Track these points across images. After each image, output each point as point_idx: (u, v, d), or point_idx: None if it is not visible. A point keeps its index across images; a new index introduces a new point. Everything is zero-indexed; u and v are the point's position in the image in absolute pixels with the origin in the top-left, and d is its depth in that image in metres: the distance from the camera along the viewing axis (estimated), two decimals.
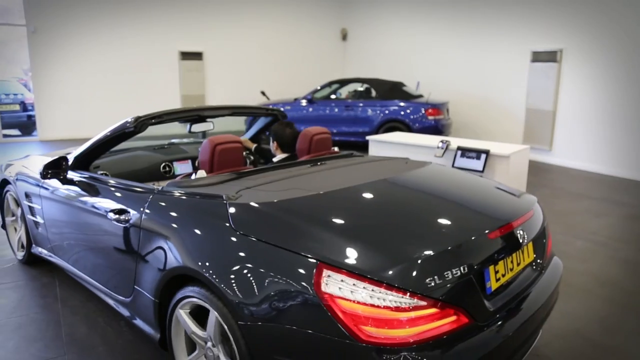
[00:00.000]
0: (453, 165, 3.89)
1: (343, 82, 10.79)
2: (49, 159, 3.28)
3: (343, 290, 1.72)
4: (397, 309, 1.70)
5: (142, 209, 2.53)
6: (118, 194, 2.80)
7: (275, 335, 1.85)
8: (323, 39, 14.26)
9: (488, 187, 2.82)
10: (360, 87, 10.63)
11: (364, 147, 9.93)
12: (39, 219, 3.61)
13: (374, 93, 10.19)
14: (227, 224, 2.08)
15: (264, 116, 4.13)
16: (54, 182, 3.32)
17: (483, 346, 1.84)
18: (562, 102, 9.12)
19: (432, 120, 9.35)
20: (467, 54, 10.87)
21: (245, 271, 1.94)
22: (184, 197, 2.41)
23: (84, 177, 3.14)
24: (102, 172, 3.49)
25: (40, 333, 3.08)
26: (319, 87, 10.62)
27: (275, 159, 3.52)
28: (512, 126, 9.96)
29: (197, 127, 3.50)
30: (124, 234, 2.62)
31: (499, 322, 1.95)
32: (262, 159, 3.99)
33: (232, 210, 2.13)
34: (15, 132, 11.66)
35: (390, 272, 1.74)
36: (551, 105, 9.19)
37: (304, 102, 10.40)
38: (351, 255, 1.80)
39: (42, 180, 3.41)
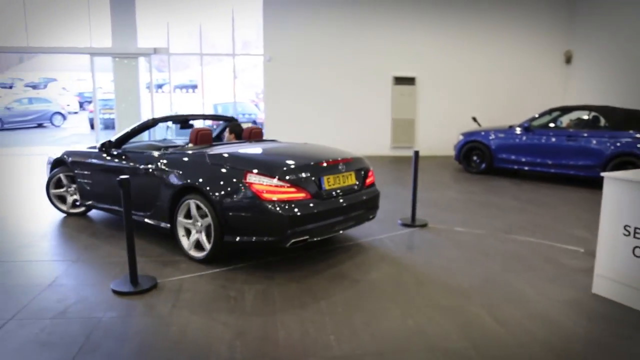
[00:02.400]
0: None
1: (566, 110, 9.87)
2: (102, 141, 5.80)
3: (255, 179, 4.24)
4: (276, 186, 4.20)
5: (159, 160, 5.05)
6: (146, 155, 5.27)
7: (229, 203, 4.32)
8: (543, 64, 13.30)
9: (338, 150, 5.20)
10: (586, 116, 9.60)
11: (588, 183, 8.98)
12: (87, 181, 5.92)
13: (603, 122, 9.09)
14: (207, 160, 4.67)
15: (225, 121, 6.85)
16: (101, 155, 5.73)
17: (315, 207, 4.33)
18: None
19: None
20: None
21: (213, 179, 4.46)
22: (184, 153, 4.99)
23: (119, 151, 5.61)
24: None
25: (261, 332, 3.38)
26: (537, 115, 9.88)
27: None
28: None
29: (185, 127, 6.30)
30: (151, 175, 5.06)
31: (325, 201, 4.45)
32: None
33: (208, 155, 4.74)
34: None
35: (272, 172, 4.26)
36: None
37: (518, 130, 9.78)
38: (257, 167, 4.34)
39: (94, 154, 5.83)
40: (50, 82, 34.94)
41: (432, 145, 12.44)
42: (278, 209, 4.15)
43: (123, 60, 11.85)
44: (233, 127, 6.36)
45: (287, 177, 4.27)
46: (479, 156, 10.29)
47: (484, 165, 10.10)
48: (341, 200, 4.59)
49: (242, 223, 4.30)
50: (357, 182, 4.89)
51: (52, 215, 6.40)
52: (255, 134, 5.99)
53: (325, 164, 4.61)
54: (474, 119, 11.00)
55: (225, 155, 4.69)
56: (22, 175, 10.00)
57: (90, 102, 24.40)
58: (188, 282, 4.23)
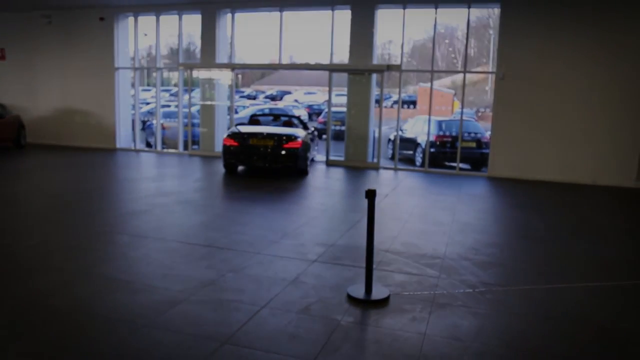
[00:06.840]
0: None
1: None
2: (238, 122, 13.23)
3: (225, 137, 10.94)
4: (227, 140, 10.76)
5: None
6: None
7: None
8: None
9: (281, 129, 11.41)
10: None
11: None
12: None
13: None
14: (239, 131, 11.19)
15: (287, 117, 12.94)
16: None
17: (237, 149, 10.59)
18: None
19: None
20: None
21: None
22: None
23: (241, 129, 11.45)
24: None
25: None
26: None
27: None
28: None
29: (275, 120, 12.89)
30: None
31: (245, 149, 10.53)
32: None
33: (238, 127, 11.65)
34: (467, 166, 12.90)
35: (228, 135, 10.89)
36: None
37: None
38: (227, 133, 11.18)
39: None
40: (285, 95, 39.07)
41: None
42: (225, 148, 10.49)
43: (357, 76, 12.54)
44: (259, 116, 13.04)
45: (230, 137, 10.51)
46: None
47: None
48: (256, 151, 10.26)
49: (223, 154, 10.70)
50: (274, 144, 10.22)
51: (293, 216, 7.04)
52: (286, 123, 12.24)
53: (252, 133, 10.48)
54: None
55: (238, 129, 10.99)
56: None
57: (318, 113, 26.51)
58: (419, 299, 4.21)
